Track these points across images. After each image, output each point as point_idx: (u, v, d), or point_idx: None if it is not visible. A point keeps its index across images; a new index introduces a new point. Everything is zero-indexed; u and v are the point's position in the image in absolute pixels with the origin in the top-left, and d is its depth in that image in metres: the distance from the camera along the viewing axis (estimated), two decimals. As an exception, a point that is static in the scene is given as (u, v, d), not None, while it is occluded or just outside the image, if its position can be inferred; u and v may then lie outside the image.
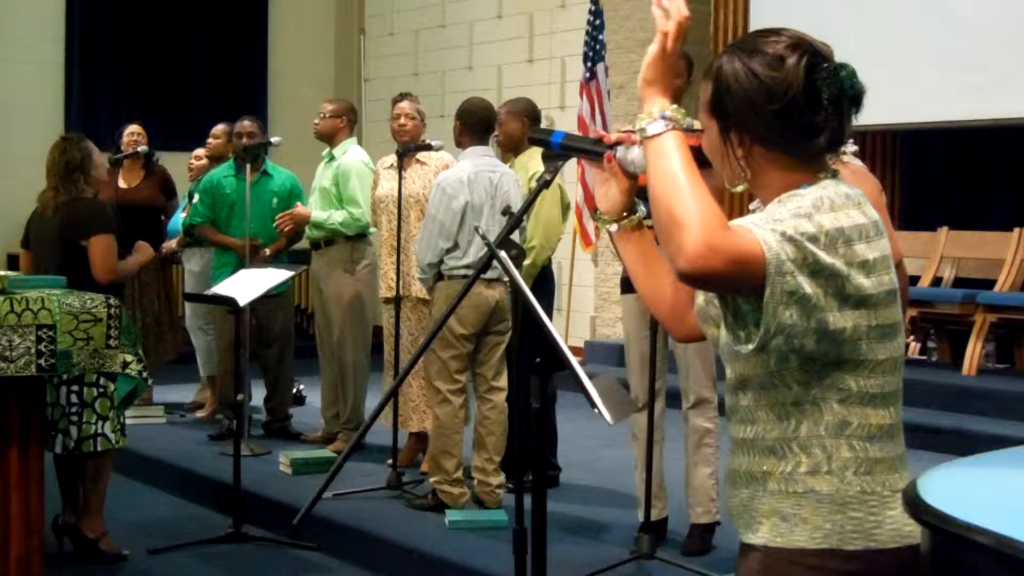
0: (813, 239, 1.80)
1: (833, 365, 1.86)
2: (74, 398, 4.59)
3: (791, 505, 1.88)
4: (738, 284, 1.80)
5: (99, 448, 4.64)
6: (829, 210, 1.84)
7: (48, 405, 4.60)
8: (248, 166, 6.79)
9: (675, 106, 1.88)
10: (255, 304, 6.73)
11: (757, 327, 1.84)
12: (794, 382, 1.87)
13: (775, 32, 1.95)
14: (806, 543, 1.87)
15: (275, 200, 6.95)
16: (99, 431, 4.62)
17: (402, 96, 6.20)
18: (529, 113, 5.86)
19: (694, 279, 1.78)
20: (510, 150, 5.87)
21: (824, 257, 1.80)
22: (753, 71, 1.90)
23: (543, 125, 9.86)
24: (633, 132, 1.92)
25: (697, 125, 5.19)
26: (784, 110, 1.88)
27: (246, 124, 7.12)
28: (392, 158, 6.03)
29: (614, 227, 2.13)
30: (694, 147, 1.91)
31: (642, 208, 2.14)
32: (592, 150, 2.12)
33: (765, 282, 1.78)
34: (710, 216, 1.75)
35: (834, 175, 1.93)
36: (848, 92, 1.90)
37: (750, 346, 1.86)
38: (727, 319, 1.91)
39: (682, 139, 1.85)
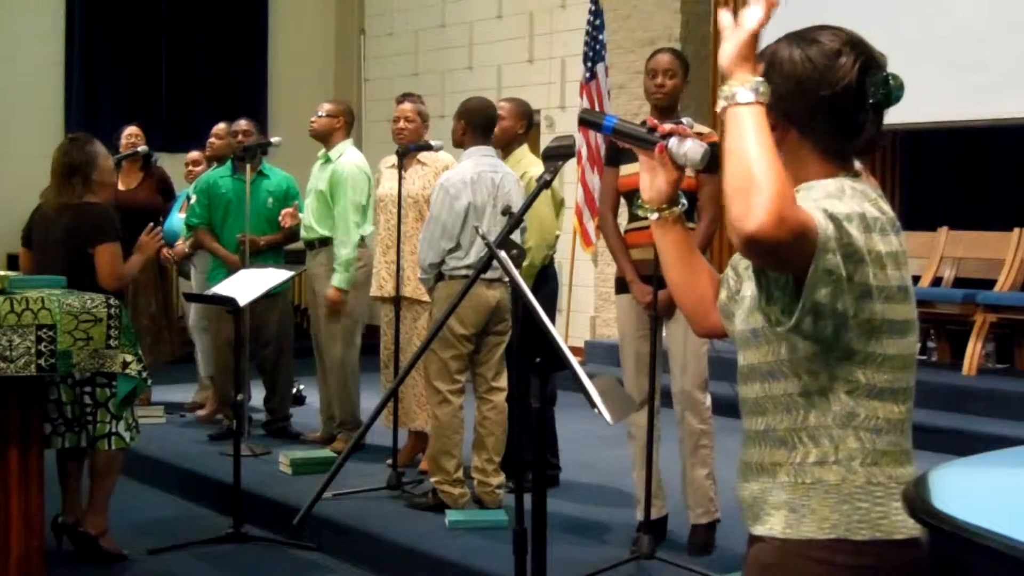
0: (847, 218, 1.82)
1: (843, 357, 1.87)
2: (87, 399, 4.60)
3: (800, 496, 1.90)
4: (791, 259, 1.78)
5: (114, 447, 4.65)
6: (851, 197, 1.87)
7: (66, 404, 4.60)
8: (247, 166, 6.79)
9: (767, 84, 1.85)
10: (253, 304, 6.73)
11: (784, 313, 1.84)
12: (803, 372, 1.89)
13: (835, 28, 1.98)
14: (815, 534, 1.88)
15: (271, 200, 6.94)
16: (113, 430, 4.63)
17: (404, 97, 6.18)
18: (528, 117, 5.85)
19: (758, 246, 1.73)
20: (501, 148, 5.84)
21: (856, 239, 1.82)
22: (809, 57, 1.93)
23: (543, 126, 9.91)
24: (720, 98, 1.87)
25: (698, 127, 5.19)
26: (833, 99, 1.91)
27: (243, 123, 7.13)
28: (394, 158, 6.04)
29: (655, 216, 2.14)
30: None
31: (684, 201, 2.16)
32: (645, 138, 2.11)
33: (811, 260, 1.78)
34: (786, 187, 1.74)
35: (855, 175, 1.95)
36: (892, 103, 1.93)
37: (788, 323, 1.84)
38: (760, 303, 1.90)
39: (764, 116, 1.81)
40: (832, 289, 1.81)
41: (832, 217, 1.80)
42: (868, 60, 1.94)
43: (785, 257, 1.78)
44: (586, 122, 2.24)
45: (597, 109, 8.67)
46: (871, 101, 1.92)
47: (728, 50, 1.85)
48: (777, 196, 1.72)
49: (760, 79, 1.83)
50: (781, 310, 1.85)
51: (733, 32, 1.85)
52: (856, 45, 1.95)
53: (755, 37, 1.85)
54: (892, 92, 1.93)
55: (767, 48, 1.99)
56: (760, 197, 1.72)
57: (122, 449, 4.75)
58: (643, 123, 2.14)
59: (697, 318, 2.19)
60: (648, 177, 2.13)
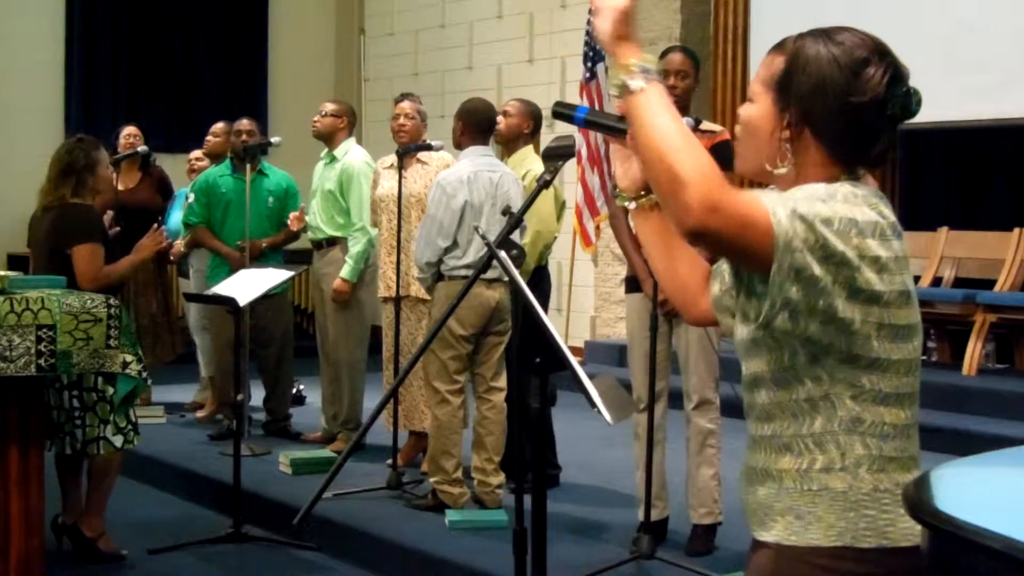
0: (826, 222, 1.80)
1: (845, 362, 1.86)
2: (75, 402, 4.59)
3: (806, 503, 1.89)
4: (745, 248, 1.79)
5: (102, 451, 4.64)
6: (843, 201, 1.84)
7: (53, 408, 4.60)
8: (247, 166, 6.79)
9: (650, 56, 1.86)
10: (254, 304, 6.74)
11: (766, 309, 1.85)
12: (807, 378, 1.88)
13: (860, 32, 1.94)
14: (820, 541, 1.87)
15: (271, 200, 6.95)
16: (102, 434, 4.62)
17: (403, 96, 6.21)
18: (536, 118, 5.84)
19: (701, 237, 1.76)
20: (505, 144, 5.84)
21: (835, 242, 1.80)
22: (836, 59, 1.89)
23: (544, 126, 9.90)
24: (611, 90, 1.88)
25: (707, 124, 5.14)
26: (856, 109, 1.88)
27: (245, 123, 7.12)
28: (392, 158, 6.04)
29: (632, 204, 2.13)
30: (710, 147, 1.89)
31: None
32: (616, 127, 2.09)
33: (773, 256, 1.78)
34: (711, 172, 1.75)
35: (856, 179, 1.92)
36: (909, 117, 1.91)
37: (758, 320, 1.85)
38: (740, 299, 1.90)
39: (665, 92, 1.84)
40: (804, 287, 1.80)
41: (802, 217, 1.79)
42: (895, 72, 1.90)
43: (736, 246, 1.79)
44: (559, 114, 2.22)
45: (597, 109, 8.66)
46: (888, 113, 1.89)
47: (604, 29, 1.87)
48: (703, 186, 1.73)
49: (650, 57, 1.84)
50: (770, 306, 1.84)
51: (605, 10, 1.85)
52: (884, 56, 1.90)
53: (627, 13, 1.86)
54: (910, 108, 1.91)
55: (792, 40, 1.95)
56: (686, 193, 1.73)
57: (115, 452, 4.73)
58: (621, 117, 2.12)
59: (685, 305, 2.17)
60: (623, 166, 2.12)
